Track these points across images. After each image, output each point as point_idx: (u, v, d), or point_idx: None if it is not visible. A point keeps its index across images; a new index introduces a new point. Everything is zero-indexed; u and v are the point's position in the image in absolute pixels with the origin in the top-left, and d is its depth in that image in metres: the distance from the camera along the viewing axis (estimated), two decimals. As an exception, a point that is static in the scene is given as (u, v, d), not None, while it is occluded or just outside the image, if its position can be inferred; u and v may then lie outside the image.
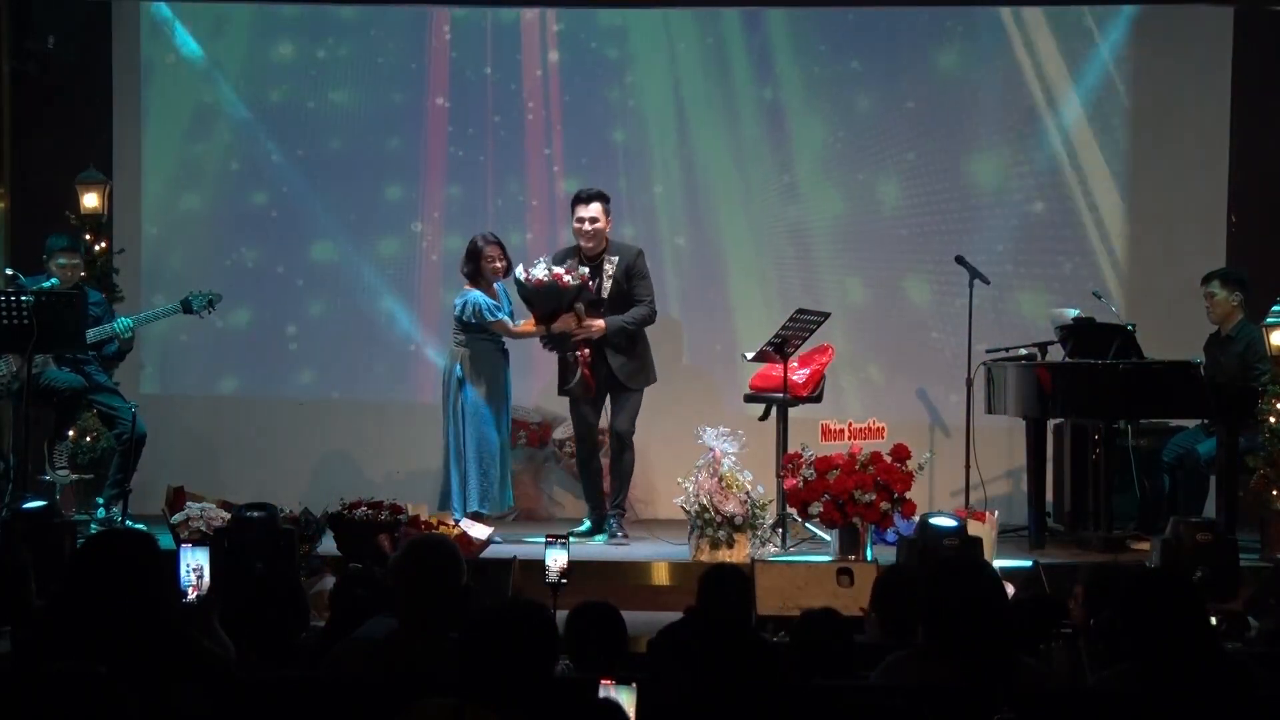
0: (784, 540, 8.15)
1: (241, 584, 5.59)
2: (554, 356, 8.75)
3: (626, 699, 3.63)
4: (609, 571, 7.75)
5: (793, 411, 8.64)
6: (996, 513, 8.27)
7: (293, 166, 10.21)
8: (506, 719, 3.38)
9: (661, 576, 7.91)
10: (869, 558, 7.66)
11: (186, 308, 8.55)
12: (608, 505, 8.75)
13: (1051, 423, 8.81)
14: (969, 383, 8.92)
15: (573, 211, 8.54)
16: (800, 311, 8.60)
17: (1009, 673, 3.96)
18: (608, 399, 8.63)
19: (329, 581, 6.50)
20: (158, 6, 10.19)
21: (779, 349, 8.48)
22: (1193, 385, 8.14)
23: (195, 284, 8.95)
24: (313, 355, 10.26)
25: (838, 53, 10.16)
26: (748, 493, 7.92)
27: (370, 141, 10.23)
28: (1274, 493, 8.34)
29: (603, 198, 8.51)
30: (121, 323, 8.48)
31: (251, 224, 10.25)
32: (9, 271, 8.76)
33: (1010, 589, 4.98)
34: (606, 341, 8.46)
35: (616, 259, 8.53)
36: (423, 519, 7.70)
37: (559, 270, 8.26)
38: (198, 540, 6.65)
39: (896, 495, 7.78)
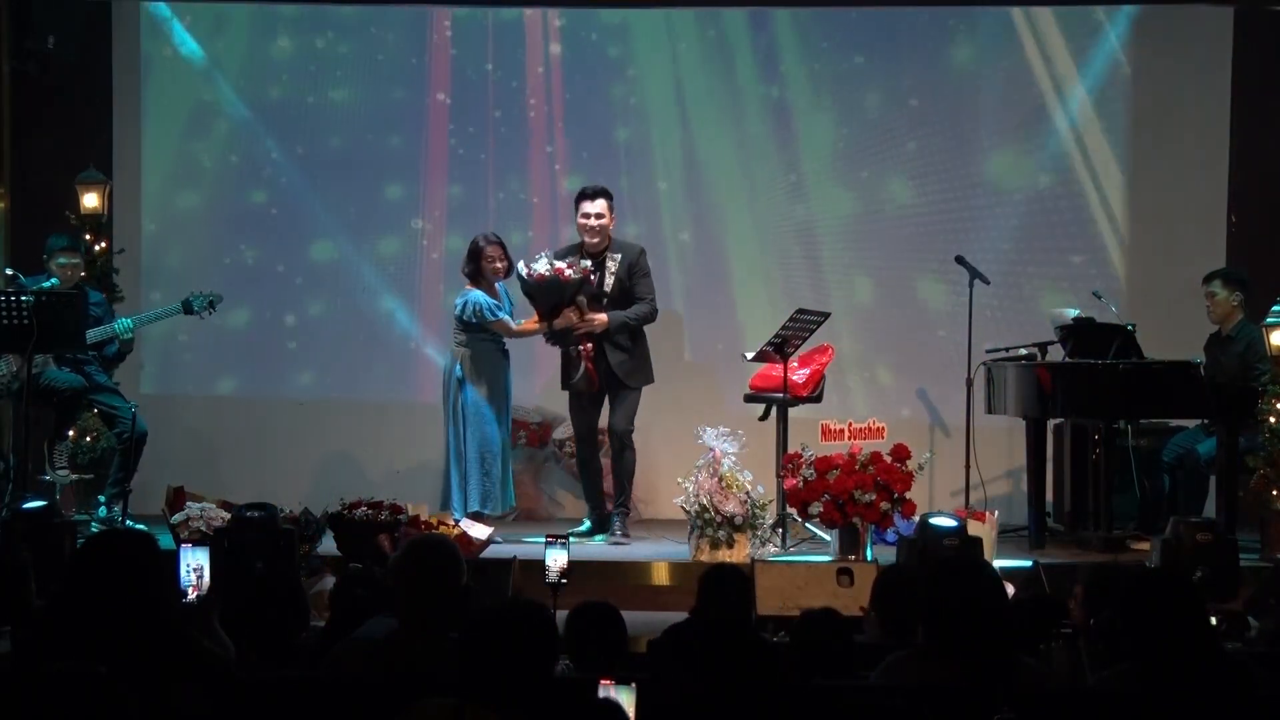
0: (784, 540, 8.15)
1: (241, 584, 5.59)
2: (555, 356, 8.77)
3: (626, 699, 3.63)
4: (609, 571, 7.75)
5: (793, 411, 8.64)
6: (996, 513, 8.28)
7: (293, 165, 10.20)
8: (506, 719, 3.38)
9: (661, 576, 7.91)
10: (869, 558, 7.66)
11: (187, 308, 8.55)
12: (611, 505, 8.76)
13: (1051, 423, 8.81)
14: (969, 383, 8.92)
15: (577, 207, 8.55)
16: (800, 311, 8.60)
17: (1009, 673, 3.96)
18: (606, 398, 8.63)
19: (329, 581, 6.50)
20: (157, 6, 10.18)
21: (779, 349, 8.48)
22: (1193, 385, 8.14)
23: (195, 283, 8.95)
24: (312, 355, 10.26)
25: (842, 49, 10.15)
26: (748, 493, 7.92)
27: (371, 139, 10.21)
28: (1274, 493, 8.34)
29: (608, 194, 8.54)
30: (122, 323, 8.48)
31: (251, 223, 10.24)
32: (9, 271, 8.76)
33: (1010, 589, 4.97)
34: (608, 336, 8.46)
35: (619, 256, 8.54)
36: (423, 519, 7.70)
37: (561, 265, 8.27)
38: (198, 540, 6.65)
39: (896, 495, 7.78)
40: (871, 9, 10.08)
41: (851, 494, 7.71)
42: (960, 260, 9.12)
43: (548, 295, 8.32)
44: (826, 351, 8.89)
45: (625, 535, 8.58)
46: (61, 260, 8.51)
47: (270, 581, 5.13)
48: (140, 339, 9.12)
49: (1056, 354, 8.76)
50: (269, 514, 7.12)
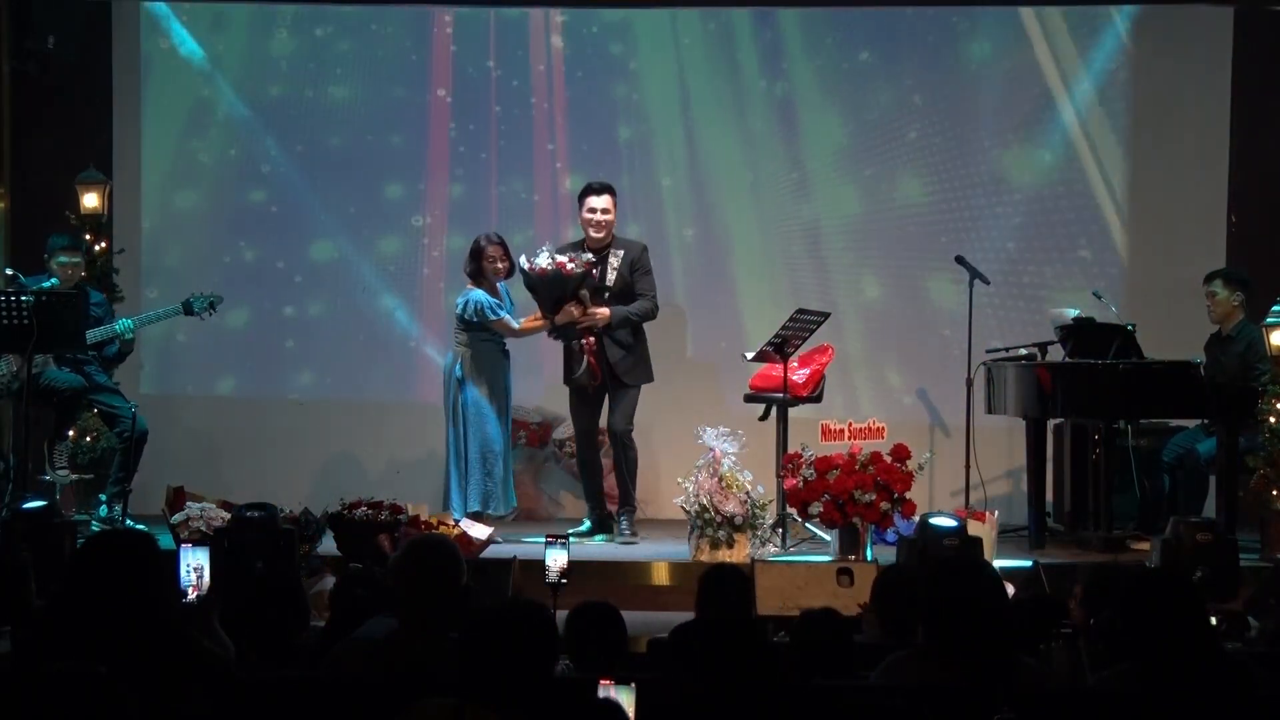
0: (784, 540, 8.15)
1: (241, 584, 5.59)
2: (556, 357, 8.78)
3: (626, 699, 3.63)
4: (609, 571, 7.75)
5: (793, 411, 8.64)
6: (996, 513, 8.28)
7: (293, 163, 10.20)
8: (506, 719, 3.38)
9: (661, 576, 7.91)
10: (869, 558, 7.66)
11: (187, 309, 8.55)
12: (611, 505, 8.78)
13: (1051, 423, 8.81)
14: (969, 383, 8.92)
15: (581, 203, 8.56)
16: (800, 311, 8.60)
17: (1009, 673, 3.96)
18: (606, 397, 8.63)
19: (329, 581, 6.50)
20: (157, 5, 10.18)
21: (779, 349, 8.48)
22: (1193, 385, 8.14)
23: (195, 282, 8.95)
24: (312, 355, 10.25)
25: (846, 46, 10.13)
26: (748, 493, 7.92)
27: (371, 138, 10.20)
28: (1274, 493, 8.34)
29: (612, 190, 8.57)
30: (123, 323, 8.47)
31: (251, 222, 10.23)
32: (9, 271, 8.76)
33: (1010, 589, 4.97)
34: (610, 331, 8.47)
35: (621, 253, 8.56)
36: (423, 519, 7.70)
37: (562, 259, 8.29)
38: (198, 540, 6.65)
39: (896, 495, 7.78)
40: (873, 9, 10.07)
41: (851, 494, 7.71)
42: (960, 260, 9.12)
43: (550, 289, 8.34)
44: (826, 351, 8.89)
45: (634, 534, 8.59)
46: (62, 259, 8.51)
47: (270, 581, 5.13)
48: (140, 339, 9.12)
49: (1056, 354, 8.76)
50: (269, 514, 7.12)
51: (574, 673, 4.43)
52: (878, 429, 8.16)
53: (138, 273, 9.93)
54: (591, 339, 8.45)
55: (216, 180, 10.26)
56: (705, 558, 7.73)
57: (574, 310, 8.37)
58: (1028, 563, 7.52)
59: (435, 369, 9.36)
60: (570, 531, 8.10)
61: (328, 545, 7.57)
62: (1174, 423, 8.90)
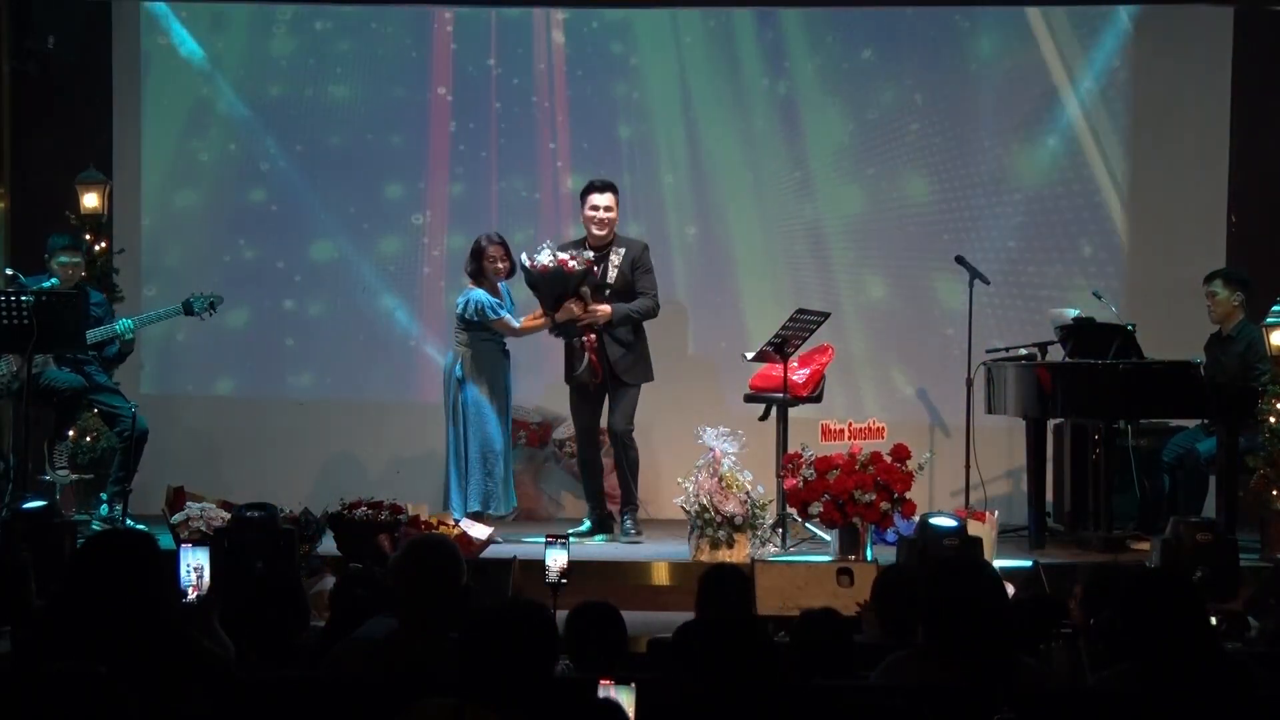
0: (784, 540, 8.15)
1: (241, 584, 5.59)
2: (556, 357, 8.79)
3: (626, 699, 3.63)
4: (609, 571, 7.75)
5: (793, 411, 8.64)
6: (996, 513, 8.28)
7: (293, 162, 10.19)
8: (506, 719, 3.38)
9: (661, 576, 7.91)
10: (869, 558, 7.66)
11: (188, 309, 8.55)
12: (612, 504, 8.79)
13: (1051, 423, 8.81)
14: (969, 383, 8.92)
15: (584, 200, 8.57)
16: (800, 311, 8.60)
17: (1009, 673, 3.96)
18: (606, 396, 8.63)
19: (329, 581, 6.50)
20: (157, 5, 10.18)
21: (779, 349, 8.48)
22: (1193, 385, 8.14)
23: (195, 282, 8.96)
24: (312, 355, 10.25)
25: (849, 44, 10.11)
26: (748, 493, 7.92)
27: (372, 137, 10.19)
28: (1274, 493, 8.34)
29: (615, 189, 8.60)
30: (123, 324, 8.47)
31: (251, 221, 10.23)
32: (9, 271, 8.76)
33: (1010, 589, 4.97)
34: (611, 328, 8.47)
35: (623, 251, 8.58)
36: (423, 519, 7.70)
37: (563, 256, 8.30)
38: (198, 540, 6.65)
39: (896, 495, 7.78)
40: (874, 8, 10.06)
41: (851, 494, 7.71)
42: (960, 260, 9.12)
43: (551, 286, 8.35)
44: (826, 351, 8.89)
45: (639, 532, 8.60)
46: (63, 259, 8.51)
47: (270, 581, 5.13)
48: (140, 339, 9.12)
49: (1056, 354, 8.76)
50: (269, 514, 7.13)
51: (574, 673, 4.43)
52: (878, 429, 8.16)
53: (138, 273, 9.93)
54: (593, 336, 8.46)
55: (216, 180, 10.25)
56: (705, 558, 7.73)
57: (574, 308, 8.38)
58: (1028, 563, 7.52)
59: (435, 368, 9.36)
60: (570, 531, 8.10)
61: (328, 545, 7.57)
62: (1174, 423, 8.90)
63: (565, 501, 9.90)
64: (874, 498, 7.73)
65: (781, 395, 8.55)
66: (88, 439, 8.93)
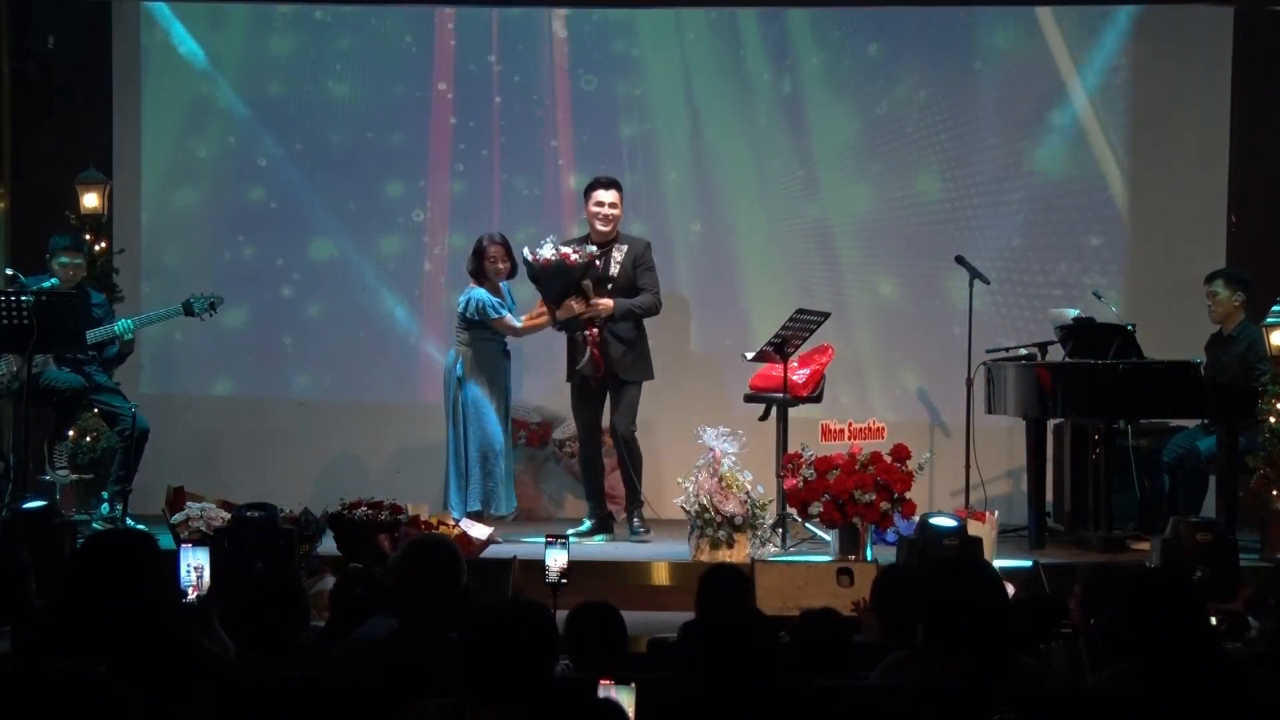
0: (784, 540, 8.15)
1: (241, 584, 5.59)
2: (557, 355, 8.80)
3: (626, 699, 3.63)
4: (609, 571, 7.75)
5: (793, 411, 8.64)
6: (996, 513, 8.28)
7: (293, 161, 10.18)
8: (506, 719, 3.38)
9: (661, 576, 7.91)
10: (869, 558, 7.66)
11: (188, 310, 8.55)
12: (617, 504, 8.80)
13: (1051, 423, 8.81)
14: (969, 383, 8.92)
15: (589, 197, 8.58)
16: (800, 311, 8.60)
17: (1009, 673, 3.96)
18: (607, 394, 8.63)
19: (329, 581, 6.50)
20: (156, 5, 10.17)
21: (779, 349, 8.48)
22: (1193, 385, 8.14)
23: (194, 281, 8.96)
24: (312, 354, 10.23)
25: (852, 40, 10.08)
26: (748, 493, 7.92)
27: (372, 135, 10.17)
28: (1274, 493, 8.33)
29: (619, 186, 8.62)
30: (122, 324, 8.48)
31: (251, 221, 10.22)
32: (9, 271, 8.77)
33: (1010, 589, 4.97)
34: (613, 322, 8.47)
35: (626, 248, 8.60)
36: (423, 519, 7.71)
37: (566, 249, 8.31)
38: (198, 540, 6.65)
39: (896, 495, 7.78)
40: (874, 8, 10.06)
41: (851, 494, 7.71)
42: (960, 260, 9.11)
43: (554, 279, 8.38)
44: (826, 351, 8.89)
45: (647, 531, 8.60)
46: (64, 260, 8.51)
47: (270, 581, 5.13)
48: (140, 339, 9.12)
49: (1056, 354, 8.76)
50: (269, 514, 7.13)
51: (574, 673, 4.43)
52: (878, 429, 8.16)
53: (138, 272, 9.93)
54: (595, 330, 8.47)
55: (216, 179, 10.24)
56: (705, 558, 7.73)
57: (575, 306, 8.39)
58: (1028, 563, 7.52)
59: (436, 368, 9.36)
60: (570, 531, 8.11)
61: (328, 545, 7.57)
62: (1174, 423, 8.90)
63: (565, 501, 9.89)
64: (874, 498, 7.73)
65: (781, 395, 8.55)
66: (88, 439, 8.92)
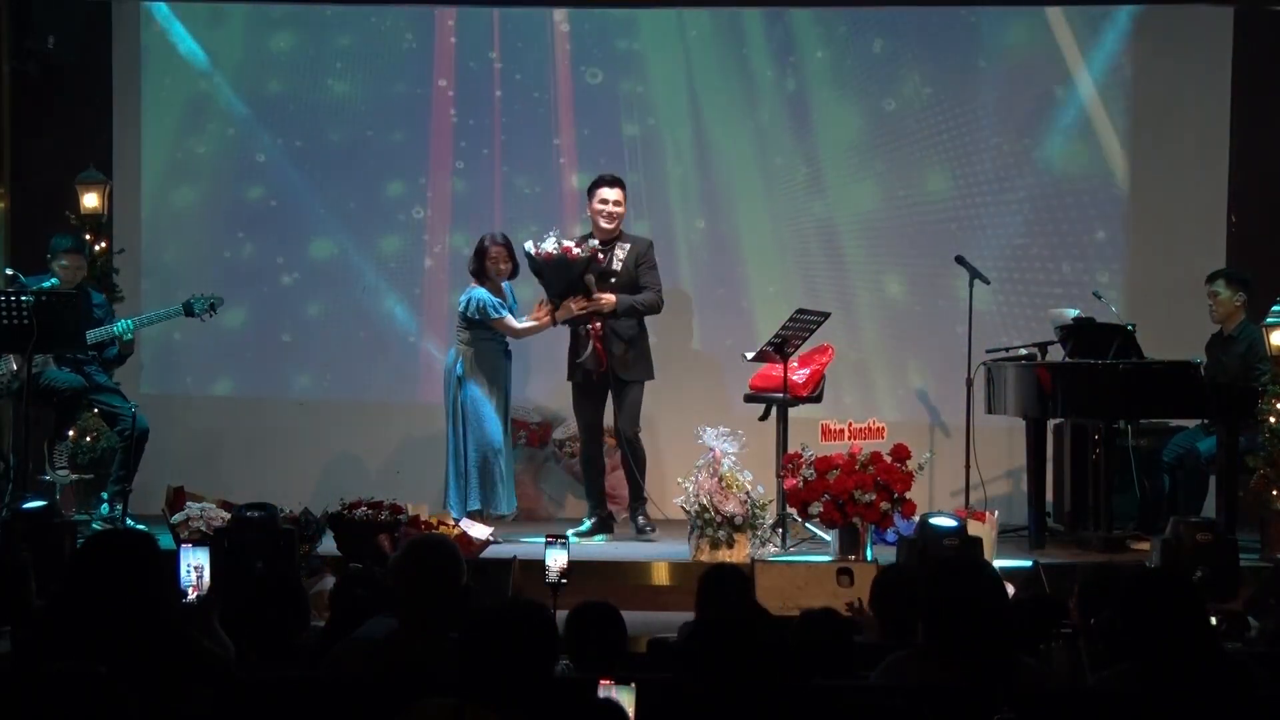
0: (784, 540, 8.15)
1: (241, 584, 5.59)
2: (557, 355, 8.82)
3: (626, 699, 3.63)
4: (609, 571, 7.75)
5: (793, 411, 8.64)
6: (996, 513, 8.28)
7: (292, 159, 10.17)
8: (506, 719, 3.38)
9: (661, 576, 7.91)
10: (869, 558, 7.66)
11: (188, 310, 8.56)
12: (618, 504, 8.81)
13: (1051, 423, 8.81)
14: (969, 383, 8.92)
15: (592, 194, 8.60)
16: (800, 311, 8.60)
17: (1009, 673, 3.96)
18: (609, 394, 8.63)
19: (329, 581, 6.50)
20: (156, 5, 10.17)
21: (779, 349, 8.48)
22: (1193, 385, 8.14)
23: (194, 281, 8.96)
24: (312, 354, 10.23)
25: (857, 37, 10.07)
26: (748, 493, 7.91)
27: (372, 133, 10.16)
28: (1274, 493, 8.34)
29: (623, 184, 8.64)
30: (122, 324, 8.48)
31: (251, 220, 10.21)
32: (9, 271, 8.77)
33: (1010, 589, 4.97)
34: (615, 318, 8.48)
35: (628, 246, 8.61)
36: (423, 519, 7.71)
37: (568, 243, 8.33)
38: (198, 540, 6.65)
39: (896, 495, 7.78)
40: (878, 7, 10.05)
41: (851, 494, 7.71)
42: (960, 260, 9.11)
43: (556, 273, 8.40)
44: (826, 351, 8.89)
45: (653, 529, 8.61)
46: (65, 261, 8.52)
47: (270, 581, 5.13)
48: (139, 339, 9.13)
49: (1056, 354, 8.76)
50: (269, 514, 7.13)
51: (574, 673, 4.43)
52: (878, 429, 8.16)
53: (138, 272, 9.93)
54: (598, 325, 8.48)
55: (216, 178, 10.24)
56: (705, 558, 7.73)
57: (574, 306, 8.41)
58: (1028, 563, 7.52)
59: (436, 367, 9.36)
60: (570, 531, 8.11)
61: (328, 545, 7.58)
62: (1174, 423, 8.90)
63: (565, 501, 9.89)
64: (874, 498, 7.72)
65: (781, 395, 8.55)
66: (88, 439, 8.93)
